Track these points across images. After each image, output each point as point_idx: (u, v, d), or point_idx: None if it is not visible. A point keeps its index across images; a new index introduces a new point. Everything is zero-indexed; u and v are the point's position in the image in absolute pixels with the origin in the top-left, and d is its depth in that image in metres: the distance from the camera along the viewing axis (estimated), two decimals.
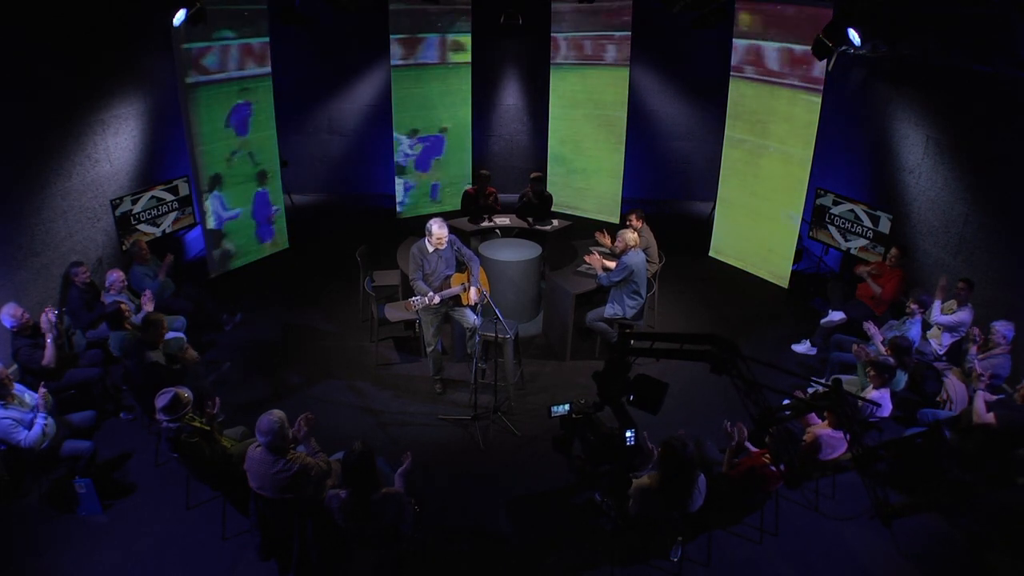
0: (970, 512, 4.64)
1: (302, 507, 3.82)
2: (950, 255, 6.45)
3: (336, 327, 7.07)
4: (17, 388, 4.64)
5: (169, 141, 7.88)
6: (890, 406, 4.74)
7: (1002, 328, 5.17)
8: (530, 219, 7.99)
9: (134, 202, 7.15)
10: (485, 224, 7.92)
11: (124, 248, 6.95)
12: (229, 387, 5.94)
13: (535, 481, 5.02)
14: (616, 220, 9.59)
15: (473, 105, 9.93)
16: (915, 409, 5.26)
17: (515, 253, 6.90)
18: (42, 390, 4.70)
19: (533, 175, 8.36)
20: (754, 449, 4.26)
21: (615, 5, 8.77)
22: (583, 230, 8.40)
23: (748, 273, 8.42)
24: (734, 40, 7.96)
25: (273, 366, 6.36)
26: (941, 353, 5.82)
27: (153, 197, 7.37)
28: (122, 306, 5.46)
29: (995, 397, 4.88)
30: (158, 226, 7.49)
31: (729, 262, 8.69)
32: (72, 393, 5.34)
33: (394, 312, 6.27)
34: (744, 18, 7.78)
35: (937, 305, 5.79)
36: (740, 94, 8.09)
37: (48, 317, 5.12)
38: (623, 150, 9.40)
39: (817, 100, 7.21)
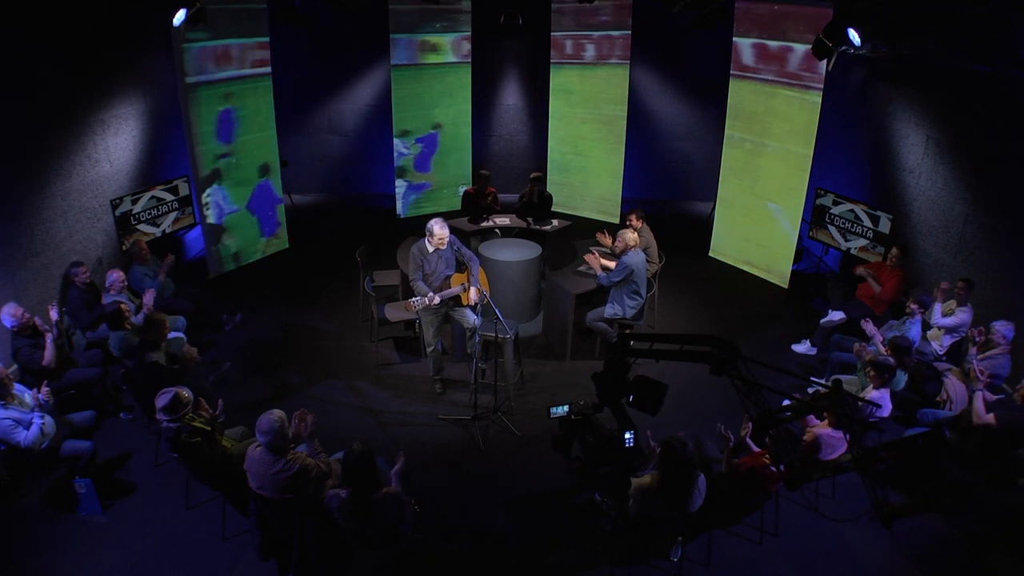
0: (970, 512, 4.64)
1: (302, 507, 3.82)
2: (950, 255, 6.45)
3: (336, 327, 7.07)
4: (17, 388, 4.64)
5: (169, 141, 7.87)
6: (890, 406, 4.74)
7: (1002, 328, 5.18)
8: (530, 219, 7.99)
9: (134, 202, 7.15)
10: (485, 224, 7.92)
11: (124, 248, 6.95)
12: (229, 387, 5.94)
13: (535, 481, 5.02)
14: (616, 220, 9.59)
15: (473, 105, 9.92)
16: (915, 409, 5.27)
17: (515, 253, 6.90)
18: (45, 389, 4.70)
19: (533, 175, 8.37)
20: (755, 448, 4.26)
21: (615, 5, 8.77)
22: (583, 230, 8.40)
23: (748, 273, 8.43)
24: (734, 40, 7.96)
25: (273, 366, 6.36)
26: (941, 353, 5.82)
27: (153, 197, 7.37)
28: (122, 306, 5.48)
29: (995, 397, 4.89)
30: (158, 226, 7.49)
31: (729, 262, 8.69)
32: (72, 393, 5.34)
33: (394, 312, 6.26)
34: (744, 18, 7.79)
35: (938, 308, 5.79)
36: (740, 94, 8.09)
37: (51, 315, 5.12)
38: (623, 150, 9.40)
39: (817, 100, 7.21)
